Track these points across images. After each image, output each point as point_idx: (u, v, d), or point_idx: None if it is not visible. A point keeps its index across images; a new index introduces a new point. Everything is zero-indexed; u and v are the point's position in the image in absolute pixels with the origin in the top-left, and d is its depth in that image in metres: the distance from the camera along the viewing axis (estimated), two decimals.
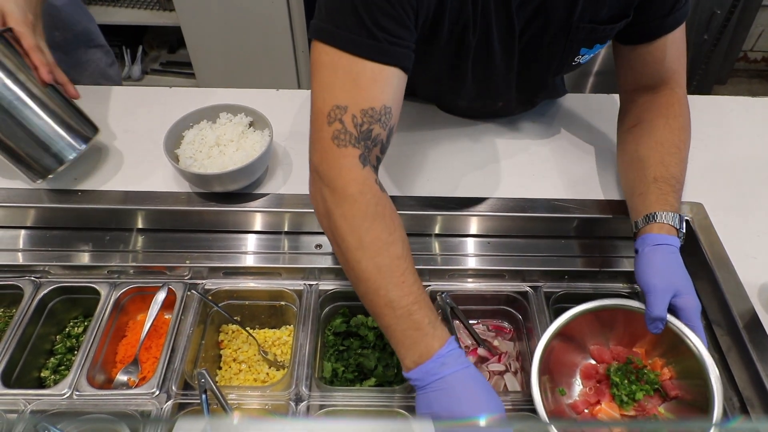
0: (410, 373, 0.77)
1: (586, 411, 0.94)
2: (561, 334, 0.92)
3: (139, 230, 1.18)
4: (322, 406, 0.97)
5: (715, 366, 0.84)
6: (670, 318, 0.87)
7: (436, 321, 0.79)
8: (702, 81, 2.98)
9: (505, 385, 1.07)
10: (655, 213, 0.92)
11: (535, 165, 1.24)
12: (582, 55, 1.05)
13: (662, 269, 0.87)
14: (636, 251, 0.93)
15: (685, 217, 0.93)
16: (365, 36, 0.81)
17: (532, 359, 0.88)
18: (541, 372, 0.88)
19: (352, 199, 0.81)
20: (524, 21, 0.96)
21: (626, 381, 0.93)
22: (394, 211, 0.85)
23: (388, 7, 0.80)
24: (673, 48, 1.03)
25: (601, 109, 1.37)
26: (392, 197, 1.12)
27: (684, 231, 0.93)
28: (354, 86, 0.82)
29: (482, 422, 0.73)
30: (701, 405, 0.84)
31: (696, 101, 1.43)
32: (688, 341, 0.86)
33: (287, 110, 1.35)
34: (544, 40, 1.00)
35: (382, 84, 0.83)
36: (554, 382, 0.95)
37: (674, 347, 0.90)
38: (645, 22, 0.99)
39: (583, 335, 0.97)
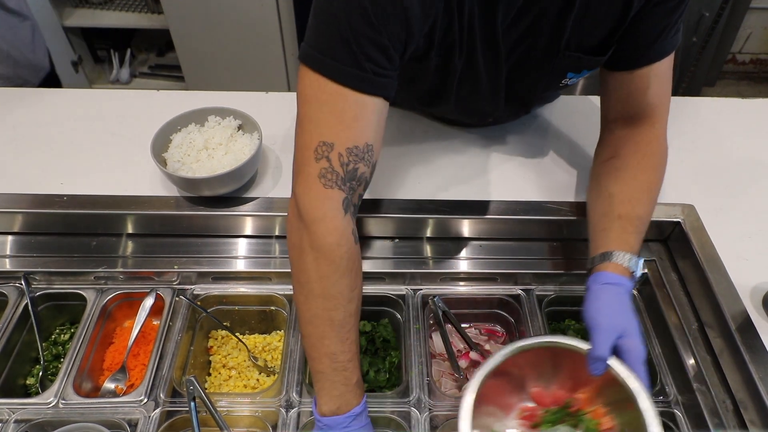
0: (323, 418, 0.84)
1: None
2: (500, 371, 0.84)
3: (127, 235, 1.16)
4: (312, 412, 0.96)
5: (657, 420, 0.76)
6: (616, 364, 0.80)
7: (360, 381, 0.86)
8: (691, 83, 3.00)
9: None
10: (612, 252, 0.89)
11: (527, 167, 1.24)
12: (569, 78, 1.04)
13: (609, 308, 0.84)
14: (586, 288, 0.89)
15: (644, 259, 0.89)
16: (351, 65, 0.80)
17: (463, 398, 0.81)
18: (475, 411, 0.81)
19: (329, 249, 0.82)
20: (510, 45, 0.95)
21: (561, 426, 0.87)
22: (360, 267, 0.88)
23: (377, 38, 0.79)
24: (657, 81, 0.99)
25: (593, 110, 1.35)
26: (384, 200, 1.12)
27: (638, 274, 0.90)
28: (339, 122, 0.81)
29: None
30: None
31: (685, 103, 1.44)
32: (631, 391, 0.78)
33: (277, 113, 1.34)
34: (530, 64, 0.99)
35: (366, 119, 0.83)
36: (487, 422, 0.87)
37: (617, 396, 0.82)
38: (629, 48, 0.96)
39: (524, 375, 0.89)
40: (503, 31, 0.91)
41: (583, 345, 0.83)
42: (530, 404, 0.91)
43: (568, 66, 0.99)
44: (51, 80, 1.87)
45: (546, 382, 0.90)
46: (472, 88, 1.02)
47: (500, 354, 0.83)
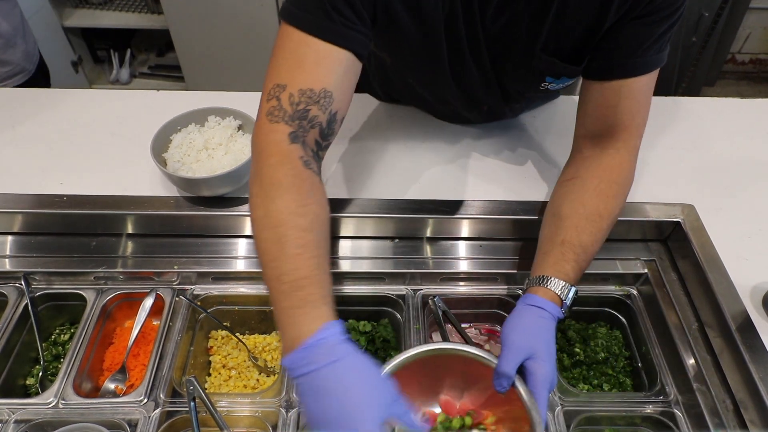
0: (285, 361, 0.69)
1: None
2: (414, 368, 0.83)
3: (127, 235, 1.16)
4: None
5: None
6: (522, 387, 0.79)
7: (327, 299, 0.72)
8: (690, 83, 3.00)
9: None
10: (547, 277, 0.87)
11: (527, 167, 1.24)
12: (549, 83, 1.03)
13: (525, 329, 0.83)
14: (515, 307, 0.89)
15: (575, 289, 0.88)
16: (322, 17, 0.83)
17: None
18: None
19: (270, 169, 0.79)
20: (491, 39, 0.95)
21: None
22: (316, 189, 0.82)
23: None
24: (629, 99, 0.94)
25: None
26: (384, 200, 1.12)
27: (569, 304, 0.88)
28: (297, 66, 0.83)
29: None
30: None
31: (685, 103, 1.44)
32: (530, 415, 0.77)
33: None
34: (510, 62, 0.99)
35: (328, 67, 0.83)
36: None
37: (518, 419, 0.81)
38: (602, 58, 0.93)
39: (438, 380, 0.89)
40: (483, 23, 0.92)
41: (495, 360, 0.82)
42: (436, 410, 0.90)
43: (545, 69, 0.99)
44: (43, 70, 1.87)
45: (459, 392, 0.90)
46: (464, 76, 1.03)
47: (415, 350, 0.83)
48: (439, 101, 1.24)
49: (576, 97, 1.19)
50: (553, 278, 0.87)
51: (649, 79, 0.94)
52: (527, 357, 0.79)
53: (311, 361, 0.67)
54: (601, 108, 0.97)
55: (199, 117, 1.16)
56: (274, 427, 0.95)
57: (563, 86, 1.05)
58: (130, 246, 1.15)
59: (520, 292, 1.12)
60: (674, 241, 1.15)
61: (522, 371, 0.80)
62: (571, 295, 0.87)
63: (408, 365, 0.82)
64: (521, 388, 0.79)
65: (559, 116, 1.36)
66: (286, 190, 0.78)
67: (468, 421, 0.88)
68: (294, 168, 0.80)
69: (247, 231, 1.16)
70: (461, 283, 1.14)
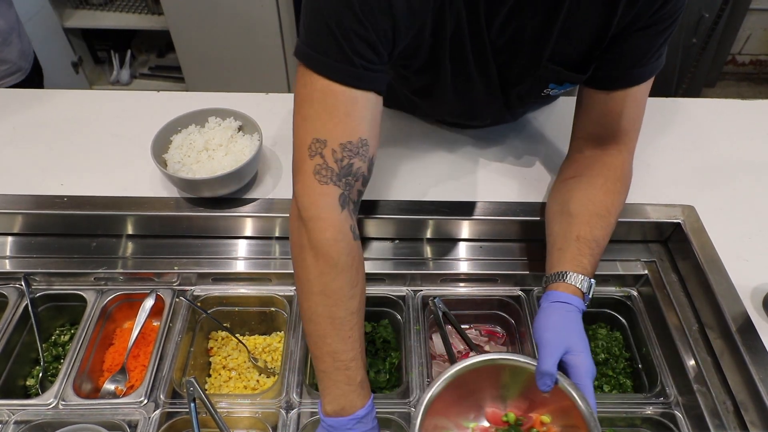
0: (327, 419, 0.82)
1: None
2: (454, 387, 0.83)
3: (127, 236, 1.16)
4: (313, 413, 0.96)
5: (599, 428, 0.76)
6: (566, 382, 0.80)
7: (365, 381, 0.84)
8: (691, 84, 3.00)
9: None
10: (565, 272, 0.89)
11: (527, 168, 1.24)
12: (551, 89, 1.04)
13: (557, 325, 0.84)
14: (539, 306, 0.90)
15: (594, 282, 0.89)
16: (341, 61, 0.81)
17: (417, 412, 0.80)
18: (429, 425, 0.82)
19: (327, 245, 0.83)
20: (497, 50, 0.95)
21: None
22: (362, 263, 0.88)
23: (364, 33, 0.80)
24: (632, 106, 0.97)
25: None
26: (384, 201, 1.12)
27: (590, 296, 0.89)
28: (330, 118, 0.82)
29: None
30: None
31: (685, 104, 1.44)
32: (579, 409, 0.78)
33: (277, 114, 1.34)
34: (514, 72, 0.99)
35: (358, 114, 0.84)
36: None
37: (568, 415, 0.82)
38: (609, 68, 0.95)
39: (479, 394, 0.89)
40: (489, 36, 0.91)
41: (533, 362, 0.82)
42: (485, 424, 0.90)
43: (549, 77, 0.99)
44: (37, 70, 1.87)
45: (501, 402, 0.89)
46: (466, 88, 1.03)
47: (454, 369, 0.83)
48: (440, 114, 1.25)
49: (571, 98, 1.20)
50: (572, 273, 0.89)
51: (649, 83, 0.97)
52: (565, 352, 0.81)
53: (360, 425, 0.82)
54: (605, 116, 0.99)
55: (199, 118, 1.16)
56: (274, 428, 0.95)
57: (564, 91, 1.06)
58: (130, 247, 1.15)
59: (520, 292, 1.13)
60: (674, 242, 1.15)
61: (562, 366, 0.81)
62: (591, 287, 0.89)
63: (445, 388, 0.82)
64: (565, 382, 0.80)
65: (558, 117, 1.36)
66: (341, 270, 0.83)
67: (522, 424, 0.88)
68: (348, 245, 0.84)
69: (247, 232, 1.16)
70: (461, 284, 1.14)
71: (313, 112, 0.83)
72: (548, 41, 0.91)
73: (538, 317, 0.87)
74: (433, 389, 0.82)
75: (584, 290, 0.88)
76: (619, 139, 1.00)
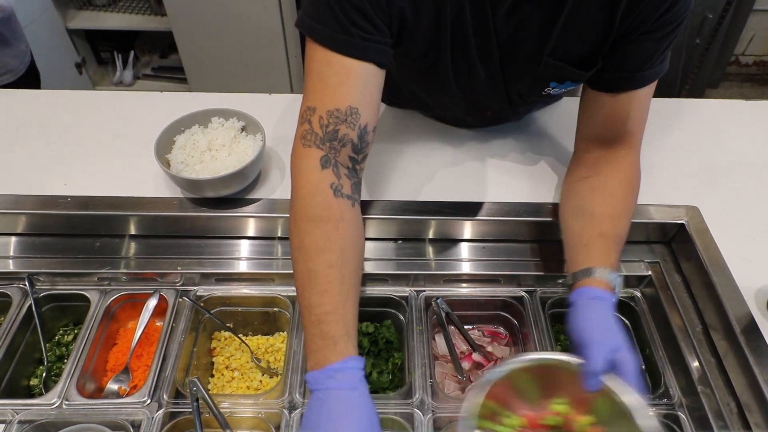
0: (306, 375, 0.80)
1: None
2: (494, 390, 0.81)
3: (130, 236, 1.16)
4: None
5: (656, 424, 0.75)
6: (611, 379, 0.78)
7: (344, 337, 0.80)
8: (694, 85, 3.00)
9: None
10: (594, 268, 0.89)
11: (529, 169, 1.23)
12: (552, 88, 1.04)
13: (600, 322, 0.84)
14: (570, 304, 0.89)
15: (622, 275, 0.90)
16: (339, 31, 0.84)
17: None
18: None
19: (303, 201, 0.86)
20: (500, 43, 0.95)
21: None
22: (345, 221, 0.86)
23: (359, 3, 0.83)
24: (638, 108, 0.99)
25: None
26: (386, 202, 1.12)
27: (619, 293, 0.90)
28: (322, 87, 0.86)
29: None
30: None
31: (689, 105, 1.44)
32: (628, 407, 0.77)
33: (280, 114, 1.34)
34: (515, 65, 1.00)
35: (351, 83, 0.86)
36: None
37: (610, 411, 0.80)
38: (616, 71, 0.96)
39: (512, 397, 0.86)
40: (494, 25, 0.92)
41: (573, 360, 0.81)
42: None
43: (551, 74, 1.00)
44: (33, 71, 1.87)
45: (533, 403, 0.87)
46: (469, 78, 1.03)
47: (501, 369, 0.81)
48: (442, 107, 1.25)
49: (574, 99, 1.20)
50: (602, 268, 0.88)
51: (653, 85, 0.98)
52: (612, 350, 0.79)
53: (334, 380, 0.77)
54: (611, 118, 1.00)
55: (202, 118, 1.17)
56: (277, 428, 0.95)
57: (565, 91, 1.06)
58: (133, 247, 1.15)
59: (523, 293, 1.12)
60: (678, 243, 1.15)
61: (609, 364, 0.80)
62: (620, 281, 0.90)
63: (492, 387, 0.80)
64: (611, 381, 0.78)
65: (561, 118, 1.36)
66: (316, 224, 0.84)
67: (563, 425, 0.85)
68: (325, 200, 0.85)
69: (250, 232, 1.16)
70: (464, 285, 1.14)
71: (310, 84, 0.88)
72: (550, 37, 0.92)
73: (576, 315, 0.86)
74: (476, 397, 0.79)
75: (615, 285, 0.88)
76: (626, 139, 1.01)
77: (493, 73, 1.02)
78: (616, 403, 0.78)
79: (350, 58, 0.85)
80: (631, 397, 0.77)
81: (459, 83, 1.05)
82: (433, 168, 1.23)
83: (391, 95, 1.35)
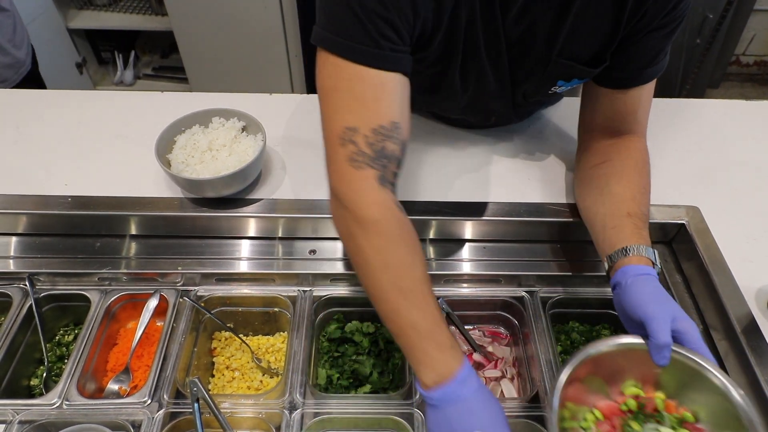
0: (430, 392, 0.77)
1: None
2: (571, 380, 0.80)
3: (131, 236, 1.16)
4: (316, 414, 0.96)
5: (736, 389, 0.76)
6: (677, 348, 0.79)
7: (455, 341, 0.80)
8: (695, 85, 3.00)
9: (502, 391, 1.06)
10: (630, 246, 0.89)
11: (530, 169, 1.23)
12: (559, 86, 1.05)
13: (655, 297, 0.84)
14: (614, 286, 0.89)
15: (656, 252, 0.90)
16: (370, 45, 0.81)
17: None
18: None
19: (376, 222, 0.81)
20: (510, 43, 0.96)
21: (649, 425, 0.82)
22: (414, 233, 0.86)
23: (387, 15, 0.80)
24: (645, 101, 1.03)
25: None
26: None
27: (659, 266, 0.90)
28: (360, 105, 0.82)
29: None
30: None
31: (689, 105, 1.44)
32: (706, 371, 0.78)
33: (280, 114, 1.34)
34: (524, 66, 1.00)
35: (388, 97, 0.83)
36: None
37: (679, 381, 0.81)
38: (624, 68, 0.98)
39: (585, 393, 0.85)
40: (504, 28, 0.92)
41: (633, 340, 0.82)
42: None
43: (560, 73, 1.00)
44: (32, 79, 1.86)
45: (604, 395, 0.86)
46: (476, 81, 1.03)
47: (566, 369, 0.80)
48: (445, 111, 1.25)
49: (575, 99, 1.20)
50: (639, 245, 0.89)
51: (655, 79, 1.02)
52: (673, 320, 0.80)
53: (466, 386, 0.77)
54: (619, 112, 1.03)
55: (203, 118, 1.17)
56: (278, 428, 0.95)
57: (570, 87, 1.07)
58: (134, 247, 1.15)
59: (524, 293, 1.12)
60: (679, 243, 1.15)
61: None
62: (657, 256, 0.90)
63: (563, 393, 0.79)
64: (680, 349, 0.79)
65: (561, 118, 1.36)
66: (397, 243, 0.82)
67: (643, 407, 0.85)
68: (396, 218, 0.83)
69: (251, 232, 1.16)
70: (465, 285, 1.14)
71: (341, 102, 0.83)
72: (559, 37, 0.93)
73: (626, 294, 0.85)
74: (556, 392, 0.78)
75: (654, 260, 0.88)
76: (634, 130, 1.05)
77: (501, 75, 1.02)
78: (683, 372, 0.79)
79: (384, 72, 0.82)
80: (703, 360, 0.78)
81: (466, 88, 1.05)
82: (434, 168, 1.23)
83: None
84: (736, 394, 0.76)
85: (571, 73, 1.00)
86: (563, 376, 0.79)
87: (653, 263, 0.88)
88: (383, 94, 0.83)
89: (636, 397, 0.85)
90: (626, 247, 0.89)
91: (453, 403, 0.76)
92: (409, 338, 0.79)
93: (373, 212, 0.81)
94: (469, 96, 1.08)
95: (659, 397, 0.84)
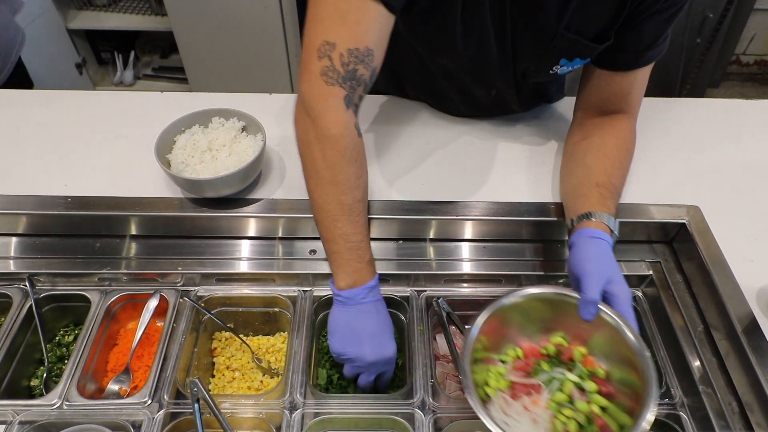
0: (342, 291, 0.93)
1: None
2: (492, 321, 0.89)
3: (131, 237, 1.16)
4: (317, 414, 0.96)
5: (648, 355, 0.81)
6: (606, 309, 0.86)
7: (372, 261, 0.96)
8: (695, 85, 2.99)
9: None
10: (592, 212, 0.96)
11: (530, 169, 1.23)
12: (561, 66, 1.07)
13: (596, 257, 0.90)
14: (570, 246, 0.95)
15: (618, 221, 0.97)
16: None
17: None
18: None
19: (334, 139, 0.89)
20: (517, 10, 0.98)
21: (557, 369, 0.90)
22: (365, 158, 0.95)
23: None
24: (641, 83, 1.08)
25: None
26: (387, 202, 1.12)
27: (617, 234, 0.95)
28: (342, 23, 0.87)
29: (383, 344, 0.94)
30: (632, 407, 0.81)
31: (689, 105, 1.43)
32: (623, 332, 0.84)
33: (280, 114, 1.34)
34: (528, 37, 1.02)
35: (368, 23, 0.88)
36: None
37: (604, 342, 0.88)
38: (624, 50, 1.02)
39: (506, 330, 0.94)
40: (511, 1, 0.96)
41: (573, 294, 0.88)
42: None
43: (564, 49, 1.03)
44: (20, 77, 1.83)
45: (529, 335, 0.95)
46: (480, 41, 1.04)
47: (503, 300, 0.90)
48: (446, 75, 1.22)
49: (575, 98, 1.20)
50: (598, 213, 0.96)
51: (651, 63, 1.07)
52: (606, 282, 0.86)
53: (370, 295, 0.94)
54: (617, 94, 1.09)
55: (203, 118, 1.17)
56: (278, 428, 0.95)
57: (571, 70, 1.10)
58: (134, 247, 1.15)
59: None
60: (679, 242, 1.15)
61: (603, 296, 0.87)
62: (617, 225, 0.96)
63: (485, 323, 0.89)
64: (607, 310, 0.86)
65: (561, 119, 1.36)
66: (348, 162, 0.91)
67: (561, 353, 0.92)
68: (353, 140, 0.91)
69: (251, 232, 1.16)
70: (465, 285, 1.14)
71: (325, 14, 0.88)
72: (567, 10, 0.96)
73: (574, 253, 0.93)
74: (476, 325, 0.88)
75: (612, 227, 0.95)
76: (625, 109, 1.11)
77: (504, 43, 1.04)
78: (606, 333, 0.86)
79: (370, 0, 0.86)
80: (626, 326, 0.84)
81: (467, 44, 1.05)
82: (434, 167, 1.23)
83: (390, 66, 1.33)
84: (644, 356, 0.81)
85: (574, 50, 1.02)
86: (490, 310, 0.89)
87: (611, 231, 0.93)
88: (364, 18, 0.87)
89: (558, 346, 0.92)
90: (589, 212, 0.96)
91: (356, 305, 0.93)
92: (339, 246, 0.92)
93: (335, 130, 0.89)
94: (470, 56, 1.08)
95: (579, 350, 0.91)
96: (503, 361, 0.92)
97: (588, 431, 0.83)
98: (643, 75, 1.07)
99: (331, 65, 0.87)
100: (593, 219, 0.95)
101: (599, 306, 0.85)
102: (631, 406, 0.81)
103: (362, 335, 0.93)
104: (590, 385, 0.86)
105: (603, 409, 0.84)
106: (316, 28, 0.89)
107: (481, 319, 0.88)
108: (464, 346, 0.86)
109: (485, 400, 0.87)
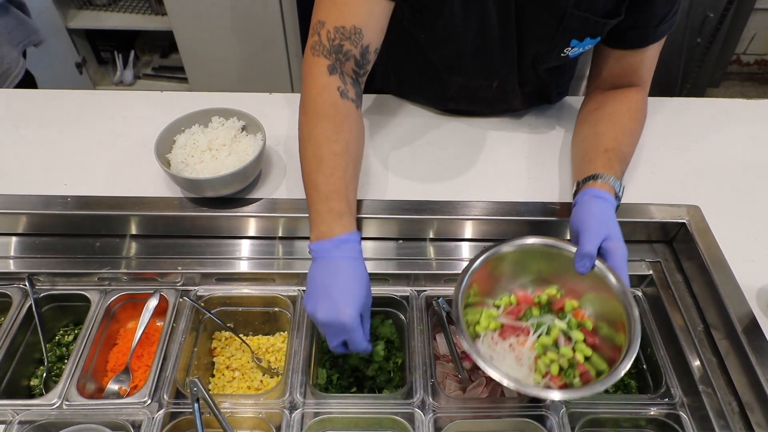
0: (310, 245, 0.90)
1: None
2: (487, 267, 0.93)
3: (130, 236, 1.16)
4: (316, 414, 0.96)
5: (638, 318, 0.84)
6: (601, 265, 0.89)
7: (348, 214, 0.91)
8: (695, 84, 2.99)
9: (502, 390, 1.06)
10: (598, 174, 0.98)
11: (531, 168, 1.23)
12: (572, 47, 1.09)
13: (597, 215, 0.92)
14: (574, 205, 0.98)
15: (624, 185, 1.00)
16: None
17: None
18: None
19: (311, 98, 0.96)
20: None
21: (546, 316, 0.94)
22: (348, 118, 0.97)
23: None
24: (651, 58, 1.11)
25: None
26: (387, 201, 1.12)
27: (621, 197, 0.98)
28: (332, 4, 0.97)
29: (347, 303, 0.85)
30: (613, 359, 0.85)
31: (690, 104, 1.43)
32: (611, 283, 0.87)
33: (280, 114, 1.34)
34: (539, 20, 1.03)
35: (355, 5, 0.96)
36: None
37: (597, 298, 0.91)
38: (635, 27, 1.04)
39: (502, 278, 0.97)
40: None
41: (570, 247, 0.92)
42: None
43: (575, 28, 1.04)
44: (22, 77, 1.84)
45: (525, 286, 0.98)
46: (481, 23, 1.05)
47: (491, 252, 0.93)
48: (448, 67, 1.22)
49: (576, 98, 1.20)
50: (605, 175, 0.98)
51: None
52: (604, 238, 0.89)
53: (340, 250, 0.88)
54: (628, 71, 1.12)
55: (202, 118, 1.17)
56: (278, 428, 0.95)
57: (582, 51, 1.11)
58: (133, 247, 1.15)
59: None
60: (680, 242, 1.15)
61: (599, 252, 0.90)
62: (622, 188, 0.99)
63: (480, 268, 0.92)
64: (602, 266, 0.89)
65: (561, 118, 1.36)
66: (323, 118, 0.95)
67: (552, 303, 0.95)
68: (332, 99, 0.96)
69: (251, 232, 1.16)
70: None
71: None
72: None
73: (576, 210, 0.95)
74: (472, 267, 0.91)
75: (617, 189, 0.97)
76: (638, 84, 1.14)
77: (508, 27, 1.06)
78: (599, 287, 0.89)
79: None
80: (617, 280, 0.87)
81: (468, 26, 1.05)
82: (434, 167, 1.23)
83: (389, 58, 1.33)
84: (633, 312, 0.85)
85: (585, 29, 1.04)
86: (487, 255, 0.92)
87: (616, 194, 0.97)
88: (352, 0, 0.96)
89: (552, 297, 0.96)
90: (594, 174, 0.99)
91: (322, 260, 0.88)
92: (311, 198, 0.92)
93: (313, 93, 0.96)
94: (471, 40, 1.08)
95: (571, 302, 0.94)
96: (497, 306, 0.97)
97: (569, 374, 0.87)
98: (653, 50, 1.09)
99: (319, 40, 0.97)
100: (599, 180, 0.97)
101: (596, 263, 0.88)
102: (612, 357, 0.85)
103: (320, 291, 0.85)
104: (577, 335, 0.90)
105: (586, 358, 0.88)
106: (315, 11, 0.99)
107: (478, 263, 0.91)
108: (459, 279, 0.89)
109: (474, 337, 0.92)
